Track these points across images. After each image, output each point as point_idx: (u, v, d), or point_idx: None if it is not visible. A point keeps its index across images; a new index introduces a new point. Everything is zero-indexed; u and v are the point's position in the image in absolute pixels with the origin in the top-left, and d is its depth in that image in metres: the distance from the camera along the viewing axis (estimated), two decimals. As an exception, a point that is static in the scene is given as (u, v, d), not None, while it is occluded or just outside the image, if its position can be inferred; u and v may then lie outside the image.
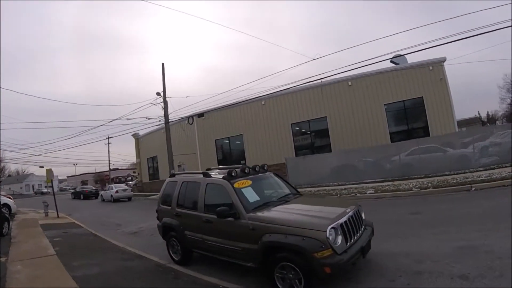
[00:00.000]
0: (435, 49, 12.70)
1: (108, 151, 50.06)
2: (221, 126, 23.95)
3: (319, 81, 14.94)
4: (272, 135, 21.18)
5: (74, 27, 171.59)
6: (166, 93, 23.93)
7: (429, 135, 16.40)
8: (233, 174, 5.16)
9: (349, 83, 18.73)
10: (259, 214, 4.45)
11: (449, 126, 16.30)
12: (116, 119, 25.33)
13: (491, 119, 53.48)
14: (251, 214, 4.46)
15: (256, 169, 5.73)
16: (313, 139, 20.30)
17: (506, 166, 12.12)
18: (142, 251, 7.14)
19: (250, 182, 5.20)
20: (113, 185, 27.15)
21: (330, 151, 18.49)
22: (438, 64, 16.93)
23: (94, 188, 36.62)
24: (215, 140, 24.41)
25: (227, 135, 23.85)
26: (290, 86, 18.90)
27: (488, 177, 10.58)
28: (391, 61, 19.35)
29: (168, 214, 6.07)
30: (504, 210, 6.40)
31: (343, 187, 14.53)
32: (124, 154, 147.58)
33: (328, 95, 19.29)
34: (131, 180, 56.83)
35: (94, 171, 76.12)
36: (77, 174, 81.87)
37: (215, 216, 4.74)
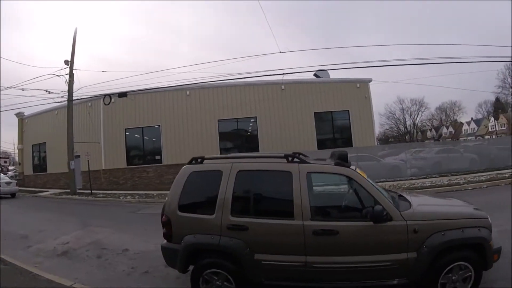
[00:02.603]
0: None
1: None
2: (134, 114, 20.18)
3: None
4: (195, 130, 19.12)
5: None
6: (75, 65, 19.94)
7: (351, 146, 17.01)
8: (347, 159, 3.73)
9: (282, 87, 18.47)
10: (418, 210, 3.52)
11: (370, 140, 17.34)
12: (9, 87, 19.11)
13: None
14: (407, 211, 3.45)
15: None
16: (240, 138, 19.19)
17: (435, 176, 13.78)
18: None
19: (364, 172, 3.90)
20: None
21: (258, 151, 17.61)
22: (365, 83, 18.08)
23: None
24: (125, 129, 20.91)
25: (140, 124, 20.45)
26: (220, 79, 17.94)
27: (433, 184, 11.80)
28: (315, 75, 19.98)
29: (202, 228, 3.63)
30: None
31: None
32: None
33: (260, 96, 18.67)
34: (1, 171, 45.94)
35: (-46, 156, 59.78)
36: None
37: (343, 223, 3.42)
